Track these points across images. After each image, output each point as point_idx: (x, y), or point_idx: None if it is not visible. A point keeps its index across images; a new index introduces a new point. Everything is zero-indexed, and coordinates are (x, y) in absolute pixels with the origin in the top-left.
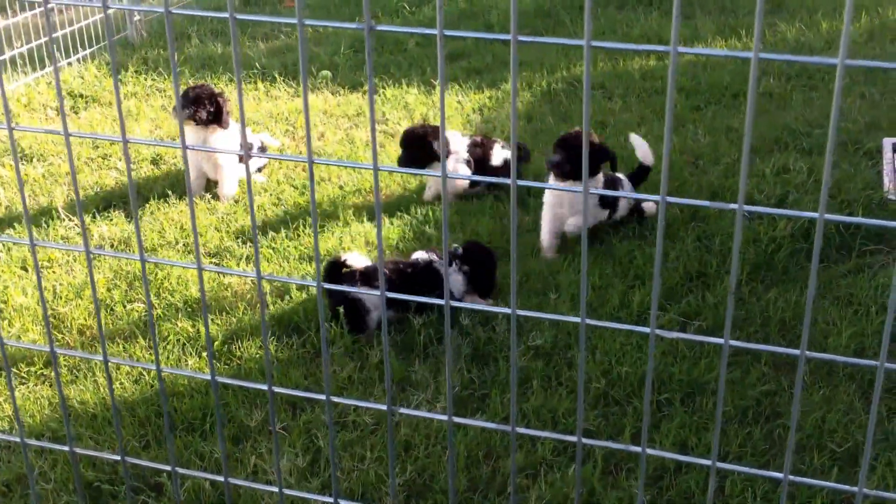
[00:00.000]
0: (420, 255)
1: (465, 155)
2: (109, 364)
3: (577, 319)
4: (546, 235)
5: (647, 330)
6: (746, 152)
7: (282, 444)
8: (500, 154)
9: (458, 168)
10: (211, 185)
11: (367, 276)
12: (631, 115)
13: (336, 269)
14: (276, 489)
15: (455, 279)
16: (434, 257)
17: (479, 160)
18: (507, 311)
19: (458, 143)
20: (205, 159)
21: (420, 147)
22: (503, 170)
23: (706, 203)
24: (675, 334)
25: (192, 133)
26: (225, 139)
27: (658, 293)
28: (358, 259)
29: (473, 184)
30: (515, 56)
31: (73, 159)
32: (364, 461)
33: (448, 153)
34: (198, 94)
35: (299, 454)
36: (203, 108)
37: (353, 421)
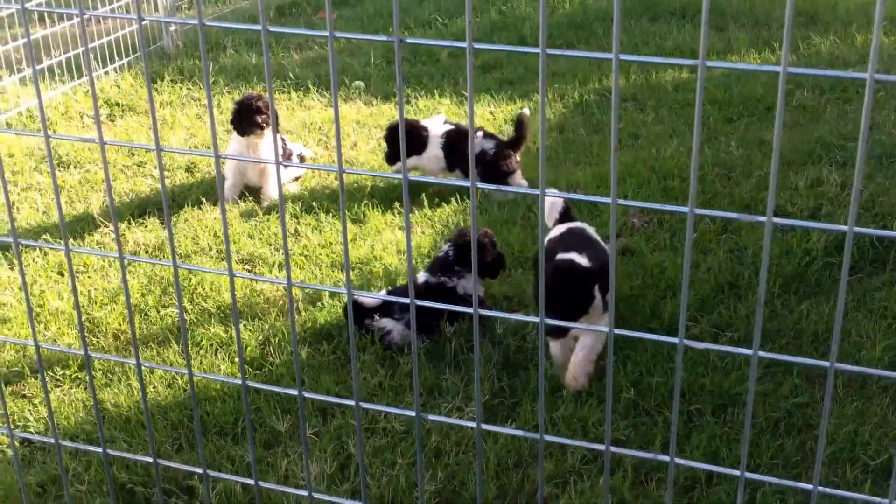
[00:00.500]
0: (422, 276)
1: (440, 141)
2: (143, 368)
3: (605, 329)
4: (560, 361)
5: (675, 340)
6: (775, 163)
7: (312, 450)
8: (476, 142)
9: (436, 153)
10: (245, 193)
11: (382, 309)
12: (663, 128)
13: (355, 310)
14: (305, 493)
15: (465, 286)
16: (440, 278)
17: (455, 147)
18: (535, 319)
19: (438, 128)
20: (250, 166)
21: (406, 141)
22: (478, 157)
23: (735, 215)
24: (703, 345)
25: (240, 139)
26: (270, 146)
27: (686, 303)
28: (369, 298)
29: (451, 167)
30: (544, 68)
31: (108, 167)
32: (394, 467)
33: (427, 141)
34: (265, 103)
35: (329, 460)
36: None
37: (383, 427)
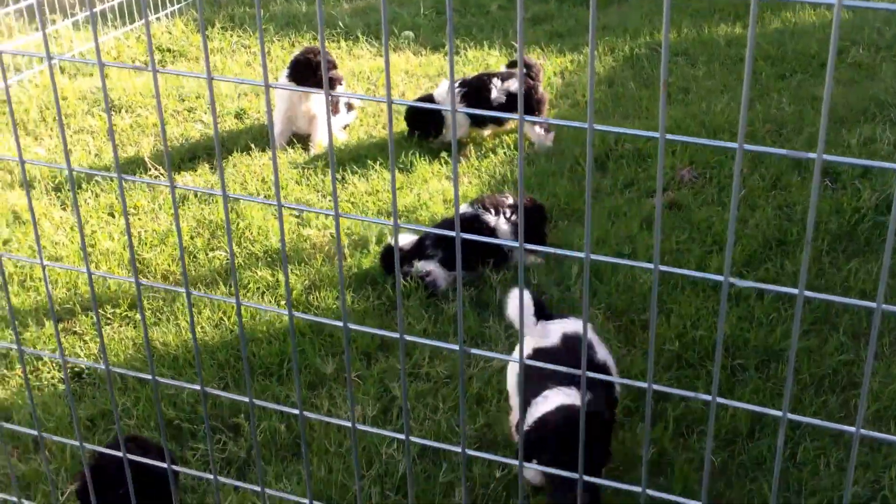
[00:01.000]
0: (464, 208)
1: (461, 105)
2: (190, 308)
3: (651, 265)
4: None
5: (720, 278)
6: (829, 87)
7: (355, 393)
8: (499, 89)
9: (459, 117)
10: (293, 141)
11: (416, 252)
12: (714, 83)
13: (390, 254)
14: (348, 423)
15: (503, 230)
16: (480, 210)
17: (474, 104)
18: (581, 255)
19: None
20: (300, 115)
21: (425, 121)
22: (506, 104)
23: (784, 151)
24: (748, 283)
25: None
26: (320, 96)
27: (733, 240)
28: (405, 239)
29: (479, 123)
30: (595, 4)
31: (159, 96)
32: (436, 412)
33: (443, 115)
34: (328, 59)
35: (372, 402)
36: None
37: (426, 372)
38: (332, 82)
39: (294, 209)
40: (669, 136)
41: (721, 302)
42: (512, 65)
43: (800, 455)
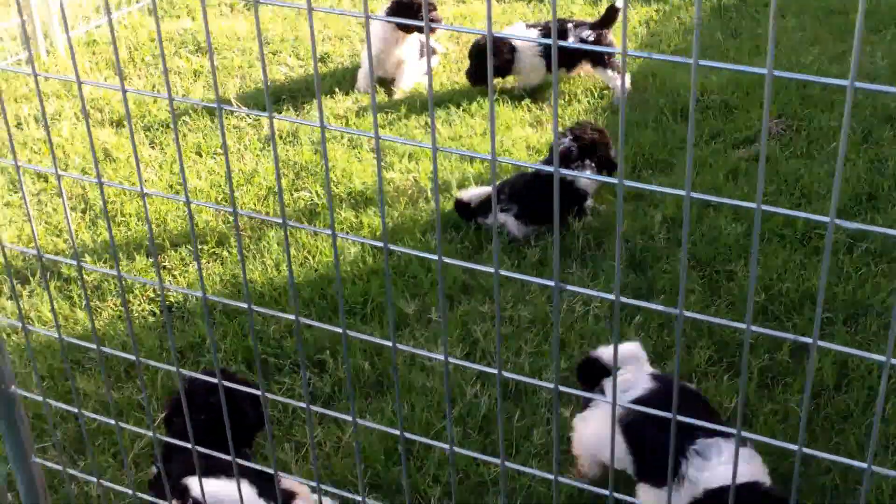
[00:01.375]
0: (539, 165)
1: (539, 49)
2: (286, 239)
3: (753, 205)
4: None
5: (826, 219)
6: None
7: (438, 335)
8: (574, 34)
9: (536, 61)
10: (376, 85)
11: (485, 204)
12: (804, 35)
13: (462, 207)
14: (440, 356)
15: (582, 182)
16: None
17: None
18: (682, 192)
19: (528, 34)
20: (391, 58)
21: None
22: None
23: (892, 89)
24: (855, 225)
25: (385, 28)
26: (412, 40)
27: (840, 181)
28: (472, 192)
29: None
30: None
31: (259, 27)
32: (520, 355)
33: (514, 56)
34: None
35: (456, 344)
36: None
37: (509, 316)
38: (434, 22)
39: (392, 141)
40: (777, 73)
41: (826, 243)
42: (609, 9)
43: (887, 410)
